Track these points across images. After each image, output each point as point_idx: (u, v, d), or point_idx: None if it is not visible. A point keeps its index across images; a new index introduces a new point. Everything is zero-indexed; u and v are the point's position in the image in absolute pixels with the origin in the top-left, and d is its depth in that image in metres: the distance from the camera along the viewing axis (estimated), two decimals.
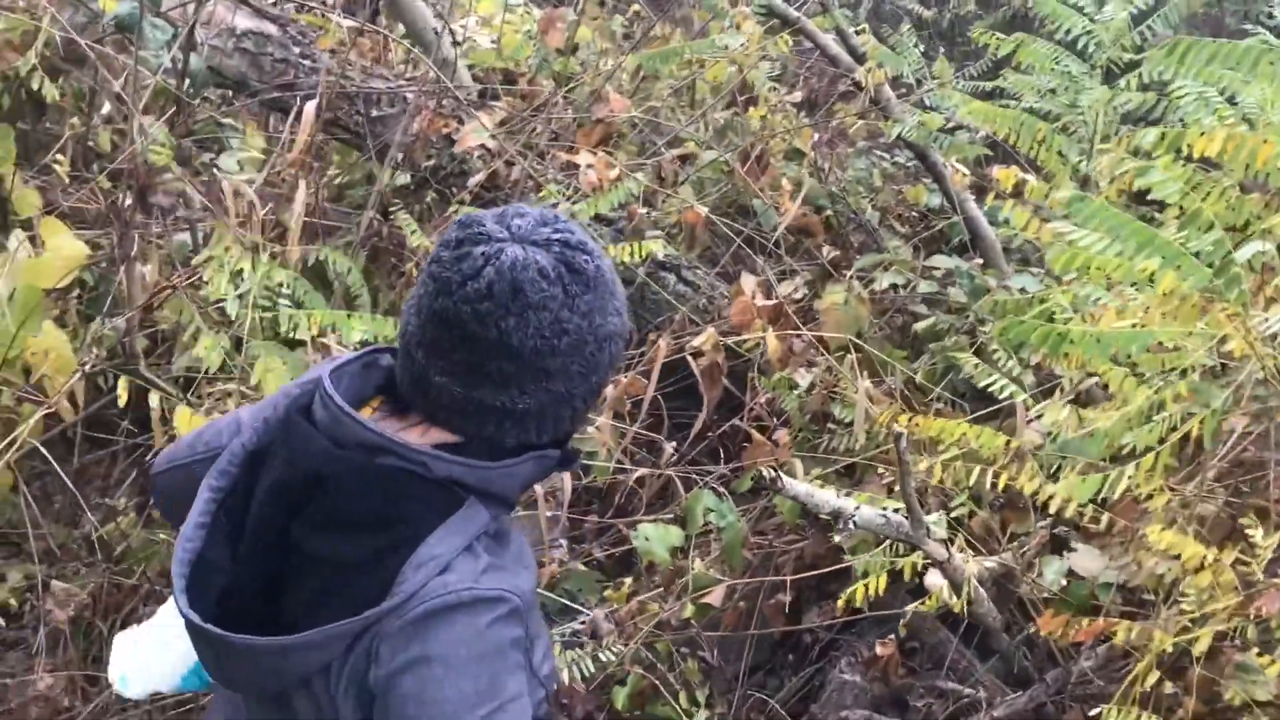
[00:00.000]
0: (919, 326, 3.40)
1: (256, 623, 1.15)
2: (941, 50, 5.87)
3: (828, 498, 1.54)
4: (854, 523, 1.53)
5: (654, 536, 2.90)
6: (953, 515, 2.06)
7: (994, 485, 1.95)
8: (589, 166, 2.72)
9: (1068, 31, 2.86)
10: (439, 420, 1.20)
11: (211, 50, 3.29)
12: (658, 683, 2.61)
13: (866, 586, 1.97)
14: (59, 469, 2.05)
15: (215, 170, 2.54)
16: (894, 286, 3.60)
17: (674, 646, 2.73)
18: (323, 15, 3.17)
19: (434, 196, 3.59)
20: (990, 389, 2.52)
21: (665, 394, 3.01)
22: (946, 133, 3.45)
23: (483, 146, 3.51)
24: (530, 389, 1.17)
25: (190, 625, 1.15)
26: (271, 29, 3.66)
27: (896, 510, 1.85)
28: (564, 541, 3.23)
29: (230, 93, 3.21)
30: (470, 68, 4.04)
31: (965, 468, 1.98)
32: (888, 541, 2.05)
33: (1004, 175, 2.74)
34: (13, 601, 2.80)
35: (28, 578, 2.65)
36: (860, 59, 3.68)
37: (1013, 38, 2.83)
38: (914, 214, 4.31)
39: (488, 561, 1.17)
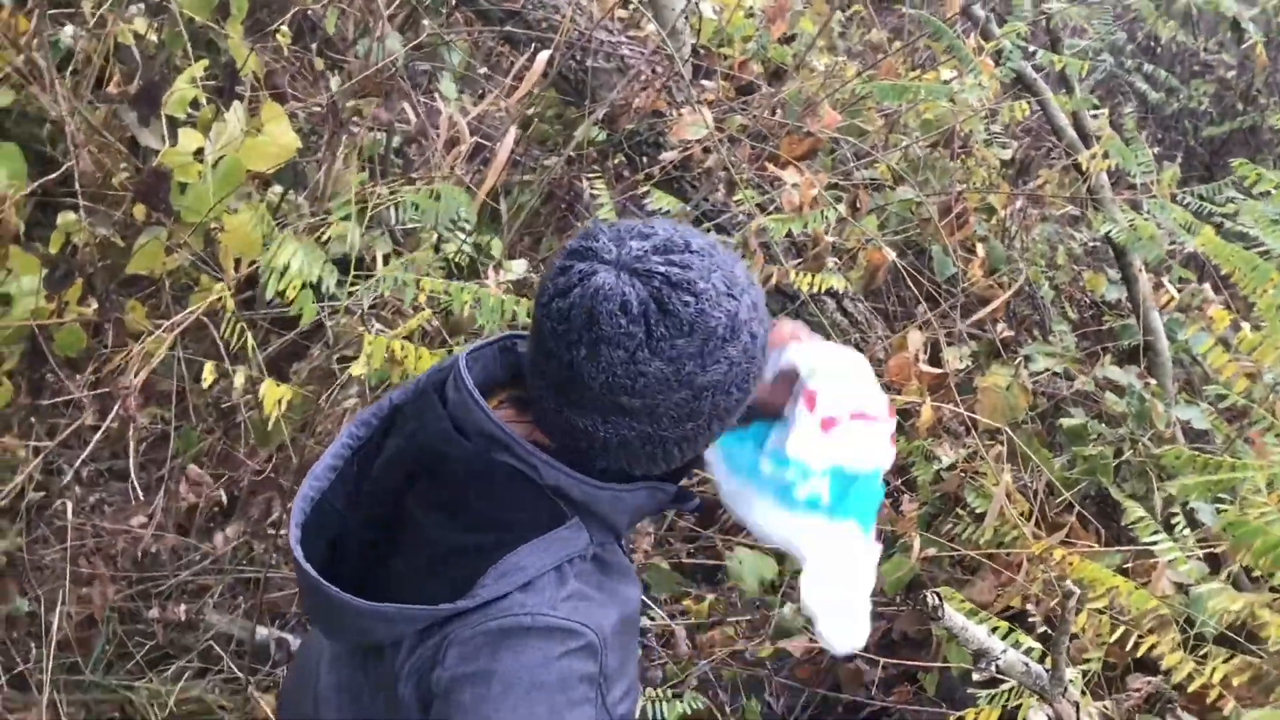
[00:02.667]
0: (1066, 424, 3.29)
1: (361, 575, 1.15)
2: (1159, 135, 5.65)
3: (981, 636, 1.48)
4: (997, 666, 1.47)
5: (748, 563, 2.87)
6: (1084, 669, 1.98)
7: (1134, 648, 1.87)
8: (794, 185, 2.65)
9: None
10: (542, 426, 1.17)
11: None
12: (715, 710, 2.59)
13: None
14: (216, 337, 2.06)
15: (437, 93, 2.53)
16: (1053, 373, 3.49)
17: (740, 679, 2.70)
18: None
19: (623, 159, 3.55)
20: (1134, 527, 2.42)
21: None
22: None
23: (659, 117, 3.45)
24: (613, 420, 1.11)
25: (295, 563, 1.15)
26: None
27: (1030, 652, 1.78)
28: (650, 533, 3.22)
29: (456, 7, 3.19)
30: (694, 39, 3.97)
31: (1110, 623, 1.89)
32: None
33: (1219, 316, 2.61)
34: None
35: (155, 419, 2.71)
36: (1088, 141, 3.53)
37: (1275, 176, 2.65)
38: (1087, 299, 4.17)
39: (573, 589, 1.13)
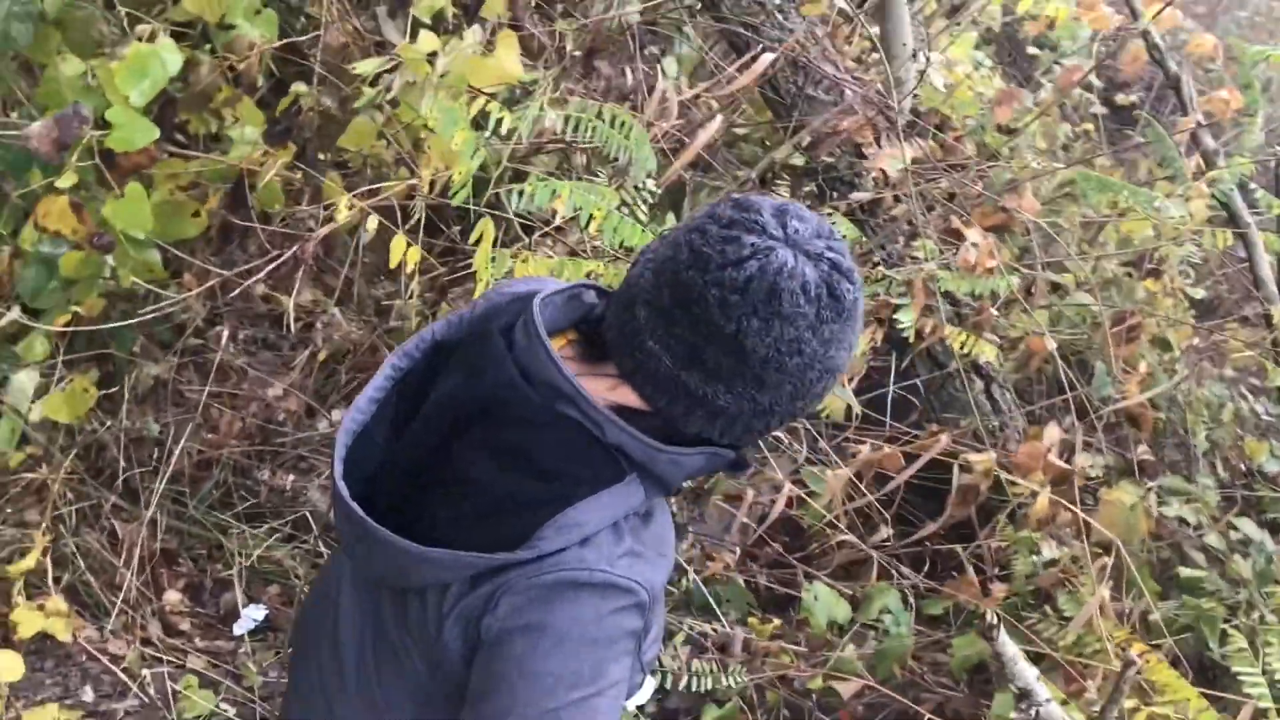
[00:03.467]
0: (1184, 573, 3.18)
1: (399, 510, 1.15)
2: None
3: (1029, 674, 1.46)
4: (1037, 711, 1.45)
5: (823, 599, 2.86)
6: None
7: None
8: (974, 244, 2.65)
9: None
10: (634, 383, 1.15)
11: None
12: None
13: None
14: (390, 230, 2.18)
15: (659, 66, 2.63)
16: (1183, 521, 3.38)
17: (782, 703, 2.70)
18: None
19: (813, 189, 3.60)
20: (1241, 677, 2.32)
21: (909, 482, 2.94)
22: None
23: (883, 172, 3.49)
24: (738, 391, 1.12)
25: (337, 498, 1.16)
26: None
27: None
28: (737, 549, 3.23)
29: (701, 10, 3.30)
30: (914, 97, 4.01)
31: None
32: None
33: None
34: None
35: (316, 303, 2.89)
36: None
37: None
38: (1243, 466, 4.01)
39: (629, 546, 1.15)
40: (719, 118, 2.47)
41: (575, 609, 1.10)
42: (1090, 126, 5.18)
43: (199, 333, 3.03)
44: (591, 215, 2.07)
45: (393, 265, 1.93)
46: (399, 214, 2.15)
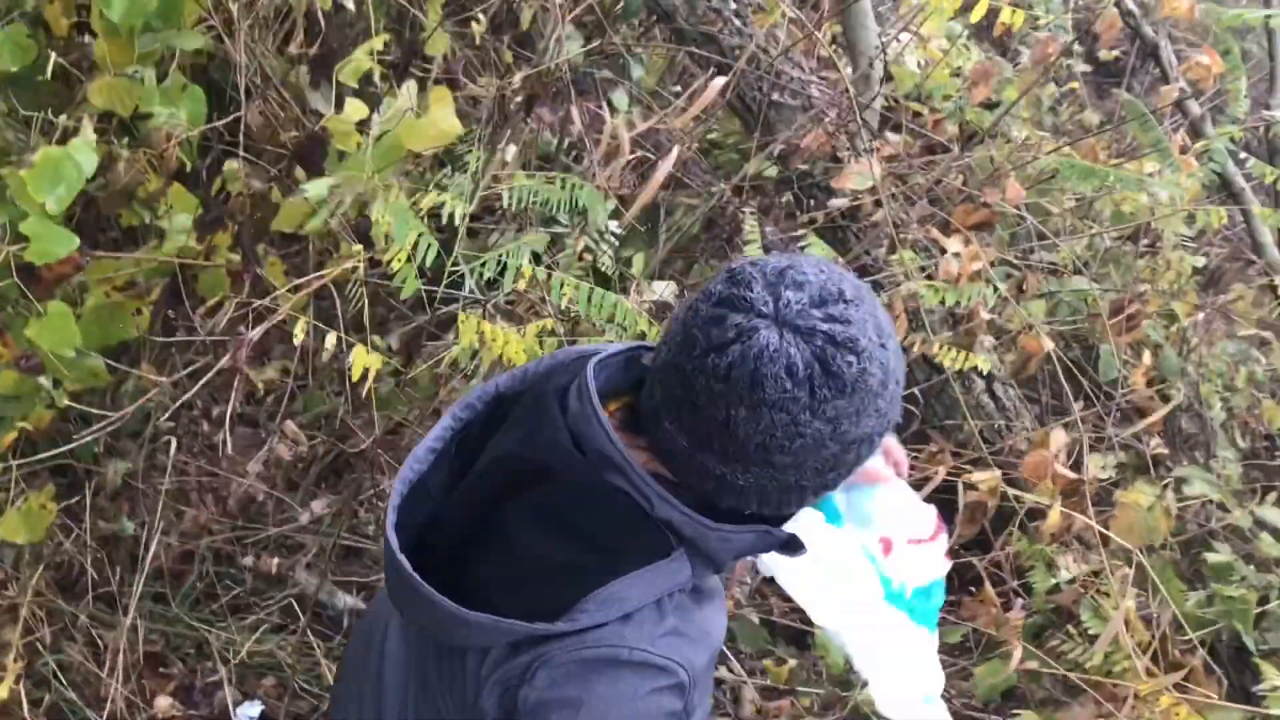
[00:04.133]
0: (1211, 558, 3.06)
1: (447, 564, 1.13)
2: None
3: None
4: None
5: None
6: None
7: None
8: (955, 254, 2.52)
9: None
10: (662, 459, 1.13)
11: None
12: None
13: None
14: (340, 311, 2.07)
15: (608, 103, 2.51)
16: (1207, 501, 3.25)
17: None
18: None
19: (790, 199, 3.47)
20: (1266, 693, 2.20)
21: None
22: None
23: (832, 160, 3.35)
24: (754, 472, 1.08)
25: (388, 550, 1.14)
26: None
27: None
28: (748, 582, 3.12)
29: (654, 23, 3.17)
30: (887, 84, 3.87)
31: None
32: None
33: None
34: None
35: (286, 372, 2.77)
36: None
37: None
38: (1262, 430, 3.87)
39: (672, 625, 1.12)
40: (675, 150, 2.34)
41: (613, 687, 1.09)
42: (1076, 85, 5.01)
43: (172, 417, 2.92)
44: (563, 284, 1.96)
45: (354, 378, 1.82)
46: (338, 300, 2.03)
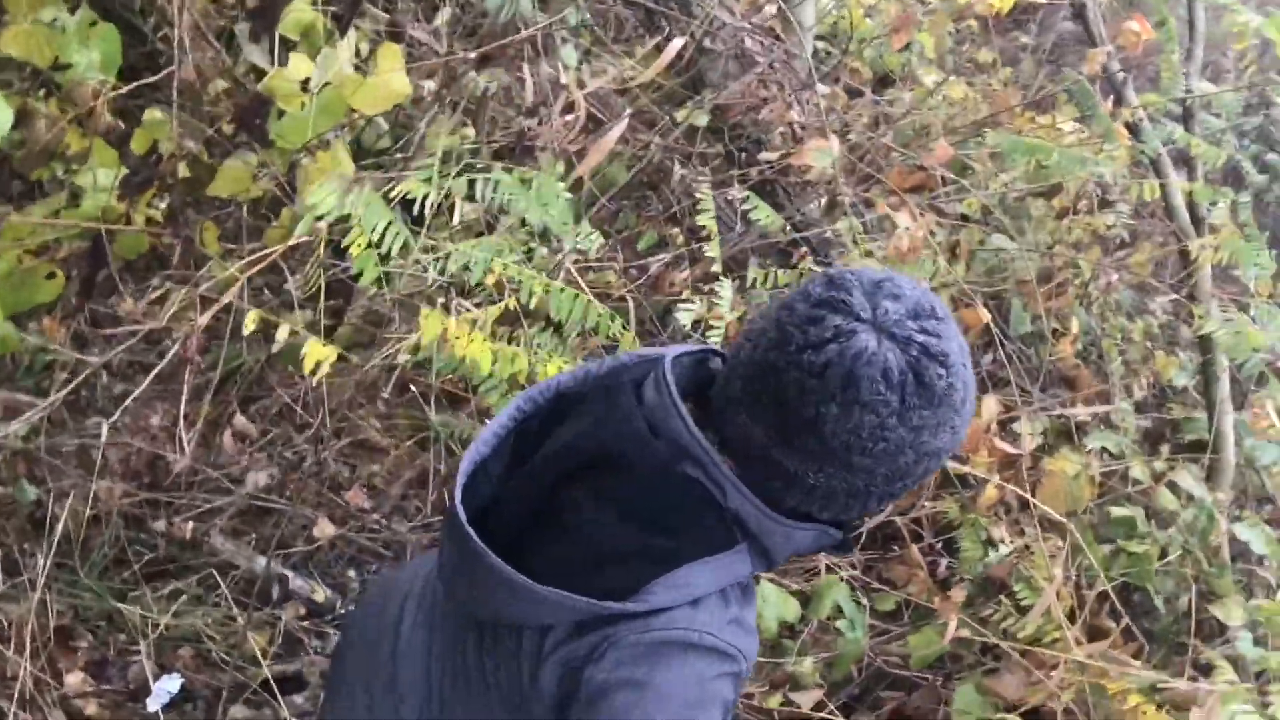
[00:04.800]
0: (1115, 513, 3.17)
1: (504, 551, 1.13)
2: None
3: None
4: None
5: (771, 601, 2.76)
6: None
7: None
8: (906, 229, 2.50)
9: None
10: (730, 453, 1.14)
11: None
12: None
13: None
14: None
15: (560, 63, 2.38)
16: (1105, 451, 3.35)
17: None
18: None
19: (721, 151, 3.40)
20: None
21: None
22: None
23: (791, 128, 3.31)
24: (829, 471, 1.11)
25: (453, 521, 1.15)
26: None
27: None
28: None
29: None
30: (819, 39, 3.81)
31: None
32: None
33: None
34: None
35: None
36: (1199, 228, 3.37)
37: None
38: (1155, 383, 4.02)
39: (735, 614, 1.15)
40: (625, 119, 2.25)
41: (681, 671, 1.10)
42: (974, 23, 5.01)
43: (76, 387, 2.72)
44: (532, 290, 1.86)
45: (307, 370, 1.70)
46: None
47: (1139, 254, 3.94)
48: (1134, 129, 3.18)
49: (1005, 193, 3.66)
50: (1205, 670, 2.68)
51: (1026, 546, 2.59)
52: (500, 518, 1.19)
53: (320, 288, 1.78)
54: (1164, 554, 3.07)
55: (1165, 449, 3.53)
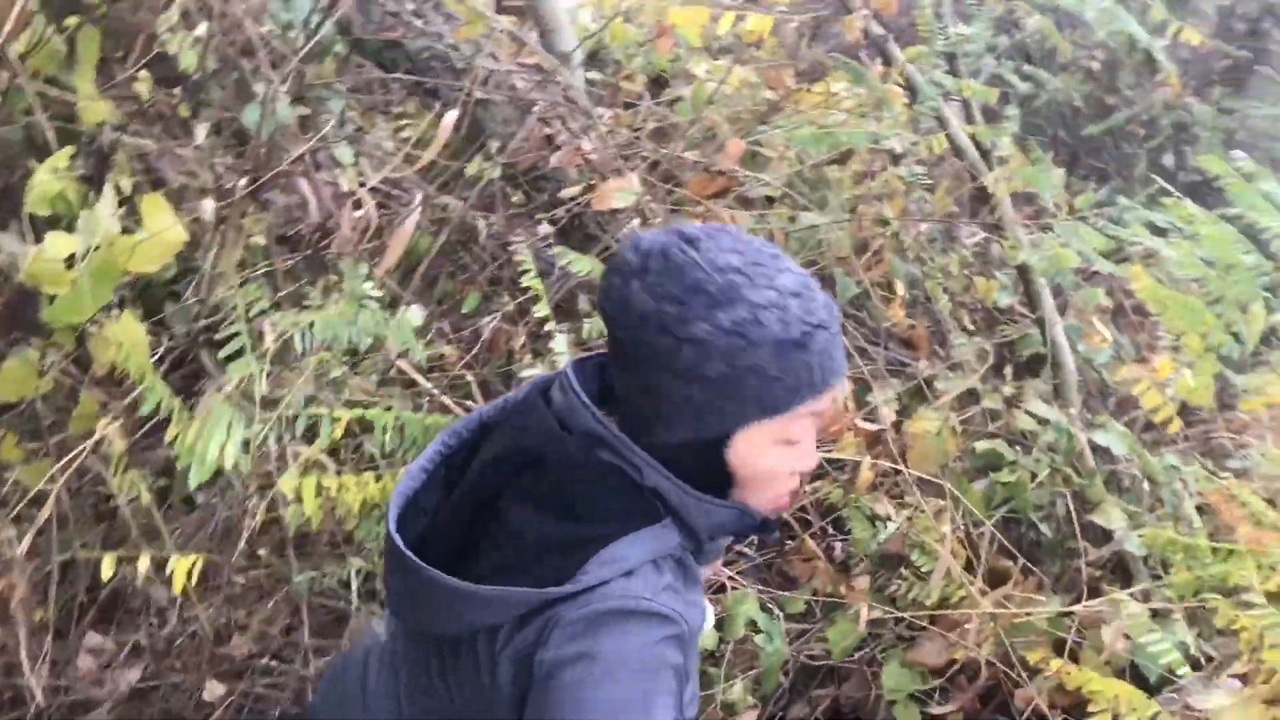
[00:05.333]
0: (980, 448, 3.24)
1: (443, 567, 1.19)
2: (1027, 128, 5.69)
3: None
4: None
5: None
6: None
7: None
8: None
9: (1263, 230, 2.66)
10: (622, 415, 1.24)
11: None
12: None
13: None
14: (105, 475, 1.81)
15: (338, 168, 2.28)
16: (987, 412, 3.41)
17: None
18: None
19: (521, 196, 3.35)
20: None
21: None
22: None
23: (581, 156, 3.27)
24: (658, 383, 1.21)
25: (391, 549, 1.21)
26: None
27: None
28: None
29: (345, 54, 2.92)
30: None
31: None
32: None
33: (1165, 366, 2.59)
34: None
35: None
36: (989, 161, 3.48)
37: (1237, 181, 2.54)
38: (980, 307, 4.14)
39: (668, 582, 1.19)
40: (416, 211, 2.17)
41: (623, 638, 1.13)
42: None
43: None
44: (385, 427, 1.78)
45: (177, 590, 1.58)
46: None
47: (938, 192, 4.06)
48: (908, 85, 3.25)
49: (800, 170, 3.72)
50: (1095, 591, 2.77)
51: (909, 518, 2.62)
52: (438, 543, 1.23)
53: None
54: (1035, 477, 3.16)
55: (1009, 370, 3.62)
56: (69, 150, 1.97)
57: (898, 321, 3.00)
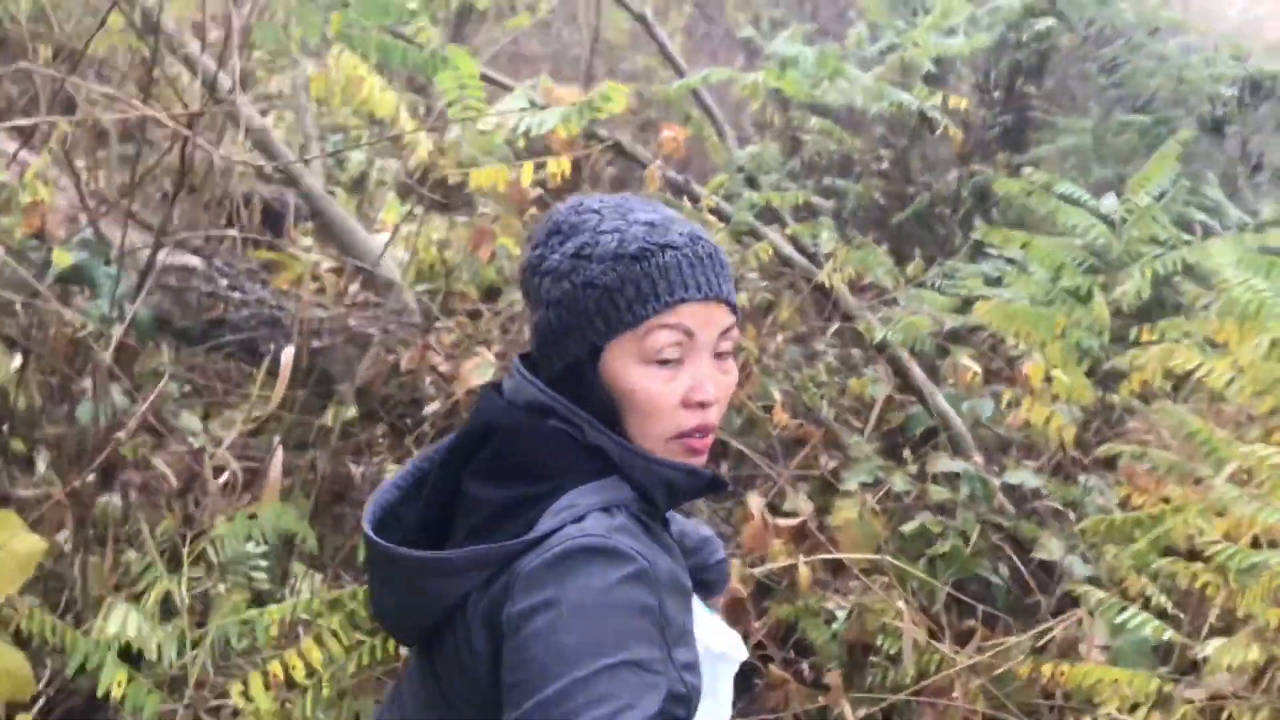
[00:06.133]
0: (906, 529, 3.23)
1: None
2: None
3: None
4: None
5: None
6: None
7: None
8: None
9: (1073, 227, 2.81)
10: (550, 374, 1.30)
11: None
12: None
13: None
14: None
15: (189, 439, 2.21)
16: (864, 485, 3.43)
17: None
18: (267, 247, 2.90)
19: (386, 429, 3.30)
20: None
21: None
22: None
23: (435, 371, 3.27)
24: (538, 316, 1.28)
25: (367, 544, 1.24)
26: (195, 262, 3.38)
27: None
28: None
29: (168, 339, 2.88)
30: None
31: None
32: None
33: (1035, 371, 2.65)
34: None
35: None
36: (816, 261, 3.61)
37: (1018, 237, 2.73)
38: (859, 405, 4.20)
39: (621, 524, 1.19)
40: (278, 459, 2.12)
41: (584, 577, 1.12)
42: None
43: None
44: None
45: None
46: None
47: (782, 311, 4.18)
48: (718, 212, 3.38)
49: None
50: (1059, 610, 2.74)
51: (861, 602, 2.57)
52: (420, 545, 1.24)
53: None
54: (968, 540, 3.16)
55: (907, 451, 3.66)
56: None
57: (784, 424, 3.01)
